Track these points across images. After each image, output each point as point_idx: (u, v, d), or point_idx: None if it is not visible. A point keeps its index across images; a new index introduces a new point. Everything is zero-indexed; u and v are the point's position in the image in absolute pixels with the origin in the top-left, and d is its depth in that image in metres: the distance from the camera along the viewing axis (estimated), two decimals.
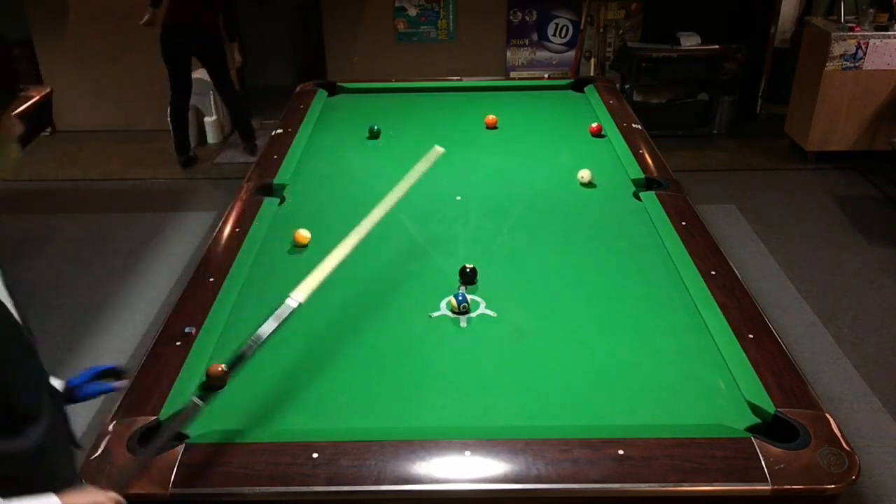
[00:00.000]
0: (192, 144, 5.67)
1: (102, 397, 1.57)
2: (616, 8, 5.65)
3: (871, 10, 4.98)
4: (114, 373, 1.57)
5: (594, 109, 3.48)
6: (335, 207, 2.62)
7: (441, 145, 3.17)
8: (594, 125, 3.21)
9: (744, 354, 1.74)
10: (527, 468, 1.42)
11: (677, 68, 5.51)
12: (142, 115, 5.94)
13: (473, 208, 2.58)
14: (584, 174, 2.74)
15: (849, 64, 4.84)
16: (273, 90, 6.40)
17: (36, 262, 4.04)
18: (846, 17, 4.99)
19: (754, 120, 5.86)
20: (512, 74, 5.87)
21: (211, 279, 2.07)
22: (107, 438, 1.50)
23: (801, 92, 5.16)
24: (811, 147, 5.09)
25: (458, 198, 2.65)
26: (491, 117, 3.32)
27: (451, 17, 5.76)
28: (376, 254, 2.30)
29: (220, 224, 2.41)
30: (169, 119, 5.27)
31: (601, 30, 5.69)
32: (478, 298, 2.01)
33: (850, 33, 4.81)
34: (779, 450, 1.44)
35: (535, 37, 5.84)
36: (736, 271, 2.10)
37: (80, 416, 2.88)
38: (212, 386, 1.54)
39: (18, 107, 3.51)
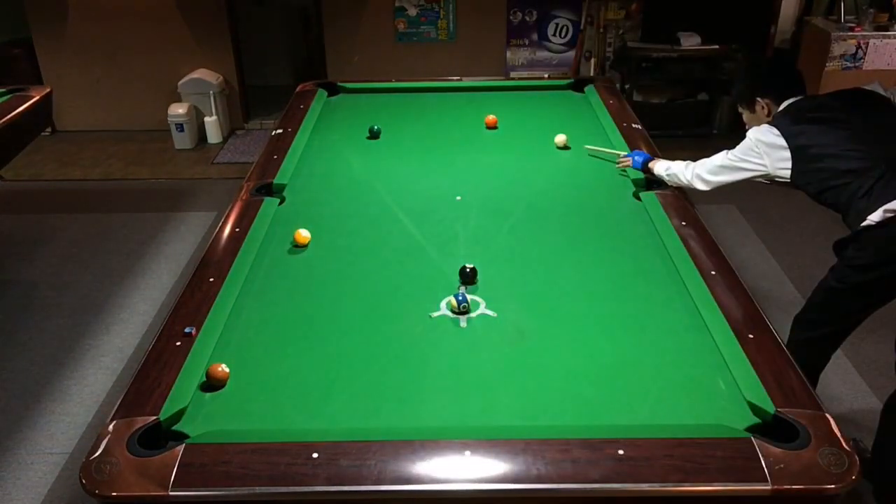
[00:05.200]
0: (192, 144, 5.68)
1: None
2: (616, 8, 5.65)
3: (871, 10, 4.98)
4: None
5: (594, 109, 3.48)
6: (335, 208, 2.62)
7: (441, 145, 3.18)
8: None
9: (744, 354, 1.74)
10: (527, 468, 1.42)
11: (677, 68, 5.51)
12: (142, 115, 5.93)
13: (473, 208, 2.58)
14: (560, 138, 3.01)
15: (849, 64, 4.85)
16: (273, 90, 6.40)
17: (36, 262, 4.04)
18: (846, 17, 4.99)
19: None
20: (512, 74, 5.87)
21: (211, 279, 2.07)
22: (107, 438, 1.50)
23: None
24: None
25: (458, 198, 2.65)
26: (491, 117, 3.32)
27: (451, 17, 5.75)
28: (376, 254, 2.30)
29: (220, 224, 2.41)
30: None
31: (601, 30, 5.69)
32: (478, 298, 2.01)
33: (850, 33, 4.81)
34: (779, 450, 1.44)
35: (535, 37, 5.84)
36: (736, 271, 2.10)
37: (80, 415, 2.89)
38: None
39: (18, 106, 3.52)
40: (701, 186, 2.52)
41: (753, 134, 2.37)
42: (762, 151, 2.33)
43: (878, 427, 2.45)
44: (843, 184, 2.24)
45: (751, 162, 2.37)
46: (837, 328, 2.47)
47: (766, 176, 2.38)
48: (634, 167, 2.75)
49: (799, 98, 2.43)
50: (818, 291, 2.45)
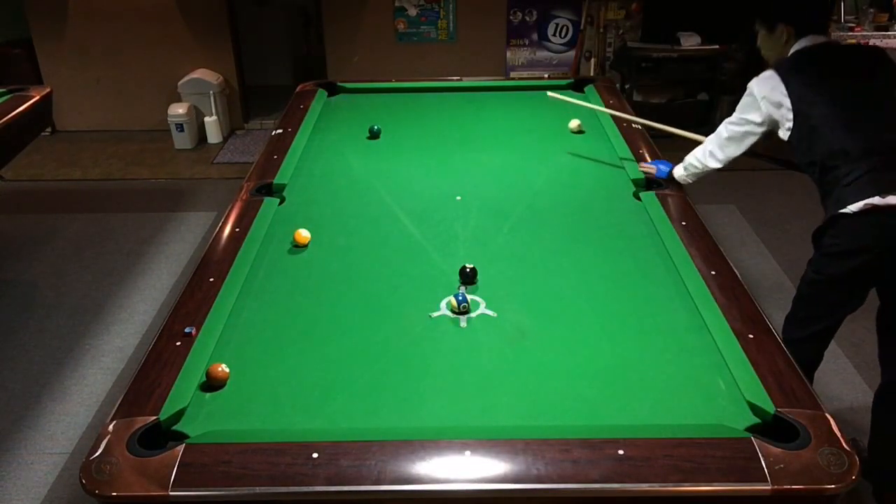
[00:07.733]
0: (192, 144, 5.68)
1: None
2: (616, 8, 5.65)
3: (871, 10, 4.98)
4: None
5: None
6: (335, 207, 2.62)
7: (441, 145, 3.18)
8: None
9: (744, 354, 1.74)
10: (527, 468, 1.42)
11: (677, 68, 5.51)
12: (142, 115, 5.94)
13: (473, 208, 2.58)
14: (573, 123, 3.17)
15: None
16: (273, 90, 6.40)
17: (36, 262, 4.04)
18: (846, 17, 4.99)
19: None
20: (512, 74, 5.87)
21: (211, 279, 2.07)
22: (107, 438, 1.50)
23: None
24: None
25: (458, 198, 2.65)
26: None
27: (451, 17, 5.76)
28: (376, 254, 2.30)
29: (220, 224, 2.41)
30: None
31: (601, 30, 5.69)
32: (478, 298, 2.01)
33: (850, 33, 4.80)
34: (779, 450, 1.44)
35: (535, 37, 5.84)
36: (736, 271, 2.10)
37: (80, 415, 2.89)
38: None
39: (18, 106, 3.52)
40: (714, 164, 2.54)
41: (757, 90, 2.32)
42: (763, 106, 2.31)
43: (871, 424, 2.46)
44: (831, 166, 2.21)
45: (752, 123, 2.36)
46: (825, 324, 2.46)
47: (772, 127, 2.36)
48: (659, 176, 2.69)
49: (819, 43, 2.32)
50: (801, 286, 2.46)
